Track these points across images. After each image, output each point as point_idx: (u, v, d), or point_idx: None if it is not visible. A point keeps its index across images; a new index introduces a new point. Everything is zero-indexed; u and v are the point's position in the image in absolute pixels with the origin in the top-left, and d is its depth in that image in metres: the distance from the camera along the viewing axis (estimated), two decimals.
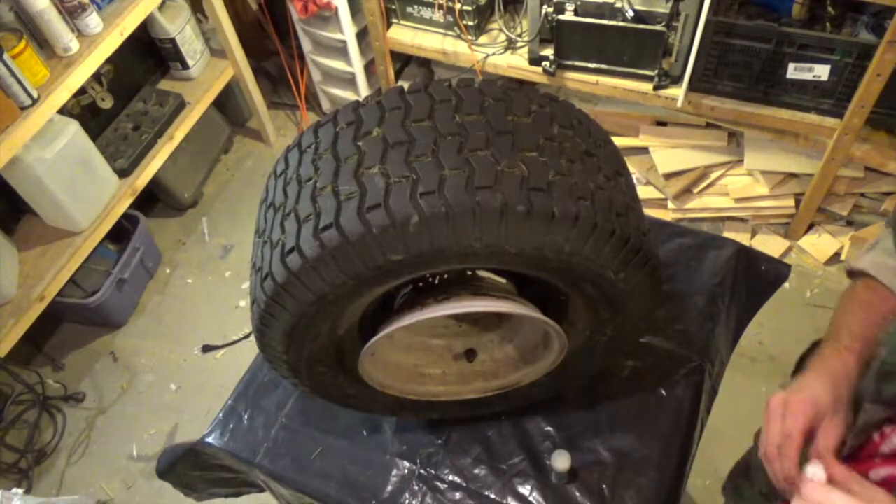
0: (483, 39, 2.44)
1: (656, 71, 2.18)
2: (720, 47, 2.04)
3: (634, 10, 2.05)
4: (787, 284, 1.44)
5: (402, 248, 0.77)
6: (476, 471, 1.15)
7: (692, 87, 2.16)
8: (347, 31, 2.54)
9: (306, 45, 2.76)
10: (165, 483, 1.37)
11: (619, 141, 2.40)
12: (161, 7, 2.52)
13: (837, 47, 1.94)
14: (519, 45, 2.39)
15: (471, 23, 2.37)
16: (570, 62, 2.29)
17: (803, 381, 0.82)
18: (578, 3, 2.12)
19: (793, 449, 0.78)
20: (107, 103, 2.46)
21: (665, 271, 1.35)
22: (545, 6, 2.16)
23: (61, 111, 2.18)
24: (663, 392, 1.20)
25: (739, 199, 2.39)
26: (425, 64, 2.83)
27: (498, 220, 0.76)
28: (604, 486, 1.11)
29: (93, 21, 2.07)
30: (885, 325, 0.79)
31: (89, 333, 2.51)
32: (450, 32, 2.47)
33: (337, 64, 2.73)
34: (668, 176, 2.43)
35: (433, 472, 1.15)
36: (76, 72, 2.03)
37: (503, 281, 1.03)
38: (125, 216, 2.46)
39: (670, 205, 2.47)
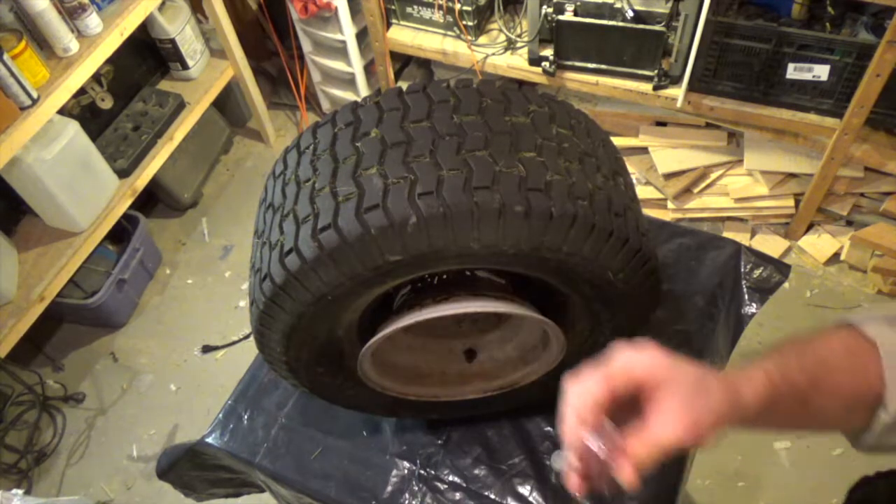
0: (483, 40, 2.44)
1: (656, 71, 2.18)
2: (720, 47, 2.04)
3: (634, 11, 2.05)
4: (786, 284, 1.44)
5: (401, 249, 0.77)
6: (476, 471, 1.15)
7: (692, 88, 2.16)
8: (347, 31, 2.54)
9: (306, 46, 2.76)
10: (165, 483, 1.37)
11: (618, 141, 2.41)
12: (161, 7, 2.52)
13: (837, 47, 1.94)
14: (519, 45, 2.39)
15: (470, 23, 2.37)
16: (569, 62, 2.29)
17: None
18: (578, 3, 2.12)
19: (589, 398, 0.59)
20: (107, 104, 2.46)
21: (665, 271, 1.35)
22: (545, 6, 2.16)
23: (61, 111, 2.18)
24: None
25: (739, 199, 2.39)
26: (425, 64, 2.83)
27: (496, 220, 0.76)
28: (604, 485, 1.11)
29: (93, 21, 2.07)
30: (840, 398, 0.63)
31: (89, 334, 2.51)
32: (449, 33, 2.47)
33: (337, 64, 2.73)
34: (668, 176, 2.43)
35: (433, 472, 1.16)
36: (76, 72, 2.03)
37: (502, 281, 1.03)
38: (125, 217, 2.46)
39: (670, 205, 2.47)
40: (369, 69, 2.75)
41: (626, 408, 0.60)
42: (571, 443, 0.59)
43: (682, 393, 0.57)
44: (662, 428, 0.57)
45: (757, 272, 1.37)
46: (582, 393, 0.60)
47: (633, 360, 0.59)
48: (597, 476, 0.59)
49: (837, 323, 0.68)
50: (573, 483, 0.60)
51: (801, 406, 0.62)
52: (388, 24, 2.56)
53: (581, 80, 2.31)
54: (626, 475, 0.57)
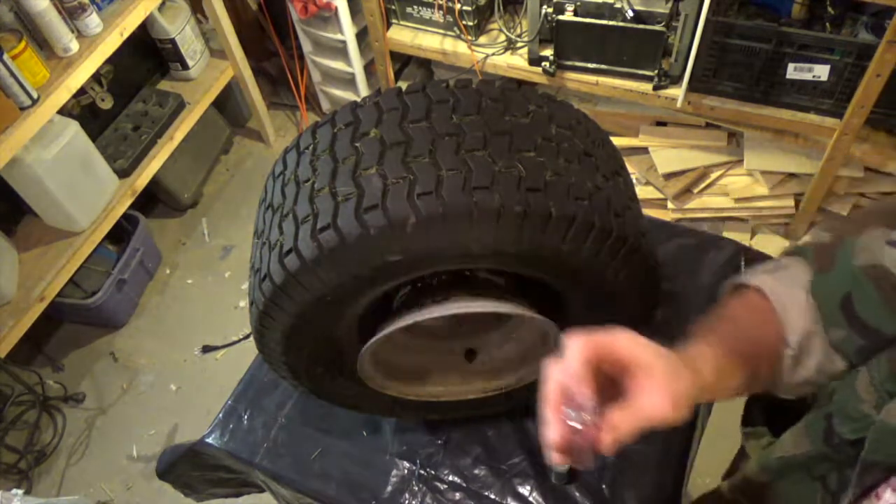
0: (483, 40, 2.44)
1: (656, 71, 2.18)
2: (720, 47, 2.04)
3: (634, 10, 2.05)
4: None
5: (400, 249, 0.77)
6: (476, 471, 1.15)
7: (692, 88, 2.16)
8: (347, 31, 2.54)
9: (306, 46, 2.76)
10: (165, 483, 1.38)
11: (618, 141, 2.40)
12: (161, 7, 2.52)
13: (837, 47, 1.94)
14: (519, 45, 2.39)
15: (470, 23, 2.37)
16: (569, 62, 2.29)
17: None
18: (578, 3, 2.12)
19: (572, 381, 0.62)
20: (107, 104, 2.46)
21: (665, 271, 1.35)
22: (545, 6, 2.16)
23: (61, 112, 2.18)
24: None
25: (739, 200, 2.39)
26: (425, 64, 2.83)
27: (495, 220, 0.76)
28: (604, 486, 1.11)
29: (93, 21, 2.07)
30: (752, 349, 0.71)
31: (89, 334, 2.51)
32: (449, 33, 2.47)
33: (337, 64, 2.73)
34: (668, 176, 2.43)
35: (433, 472, 1.16)
36: (76, 72, 2.03)
37: (501, 281, 1.03)
38: (125, 217, 2.46)
39: (670, 205, 2.47)
40: (369, 69, 2.75)
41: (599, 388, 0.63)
42: (554, 418, 0.62)
43: (663, 375, 0.62)
44: (650, 403, 0.61)
45: None
46: (566, 370, 0.62)
47: (618, 341, 0.63)
48: (576, 450, 0.62)
49: (729, 287, 0.81)
50: (555, 457, 0.64)
51: (744, 368, 0.69)
52: (388, 24, 2.56)
53: (581, 80, 2.31)
54: (607, 446, 0.61)
